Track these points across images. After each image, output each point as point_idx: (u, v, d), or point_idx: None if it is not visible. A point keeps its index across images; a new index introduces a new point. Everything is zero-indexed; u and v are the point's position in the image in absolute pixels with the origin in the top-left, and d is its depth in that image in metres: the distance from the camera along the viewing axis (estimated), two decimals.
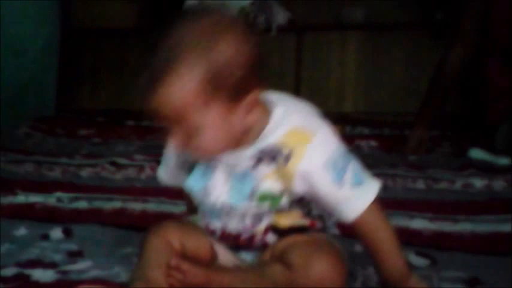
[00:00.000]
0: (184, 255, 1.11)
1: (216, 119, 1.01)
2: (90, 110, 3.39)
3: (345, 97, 3.15)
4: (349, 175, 1.06)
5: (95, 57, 3.52)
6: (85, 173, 2.07)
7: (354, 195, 1.06)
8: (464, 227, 1.52)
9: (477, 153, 2.25)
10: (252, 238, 1.11)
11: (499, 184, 1.90)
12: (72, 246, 1.36)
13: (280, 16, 3.24)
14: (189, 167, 1.13)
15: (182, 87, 0.99)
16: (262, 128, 1.06)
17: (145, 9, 3.45)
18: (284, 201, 1.08)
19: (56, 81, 3.35)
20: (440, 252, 1.35)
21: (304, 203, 1.11)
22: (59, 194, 1.74)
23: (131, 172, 2.07)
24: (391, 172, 2.01)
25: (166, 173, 1.22)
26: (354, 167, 1.07)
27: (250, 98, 1.02)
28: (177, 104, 0.99)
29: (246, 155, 1.06)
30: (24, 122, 2.93)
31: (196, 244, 1.14)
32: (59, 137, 2.79)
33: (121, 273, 1.20)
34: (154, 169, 2.07)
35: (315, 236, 1.11)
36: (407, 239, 1.44)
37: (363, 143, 2.44)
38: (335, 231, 1.18)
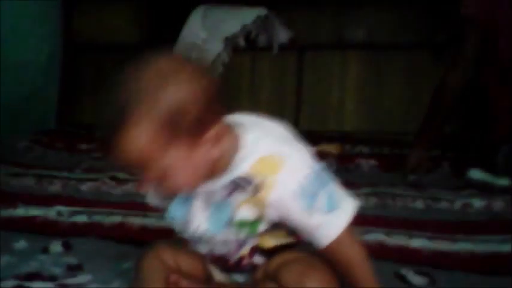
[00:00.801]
0: (179, 273, 1.12)
1: (180, 158, 1.01)
2: (91, 124, 3.39)
3: (345, 116, 3.16)
4: (321, 201, 1.05)
5: (96, 71, 3.53)
6: (85, 187, 2.07)
7: (326, 222, 1.05)
8: (463, 246, 1.52)
9: (476, 174, 2.25)
10: (239, 261, 1.11)
11: (498, 204, 1.90)
12: (72, 260, 1.36)
13: (282, 34, 3.25)
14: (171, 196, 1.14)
15: (139, 137, 0.98)
16: (233, 156, 1.05)
17: (147, 24, 3.47)
18: (262, 227, 1.08)
19: (58, 95, 3.36)
20: (439, 271, 1.35)
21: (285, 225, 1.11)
22: (59, 207, 1.75)
23: (131, 187, 2.07)
24: (391, 191, 2.01)
25: (156, 199, 1.20)
26: (328, 191, 1.06)
27: (211, 132, 1.02)
28: (138, 152, 0.99)
29: (219, 185, 1.06)
30: (25, 135, 2.93)
31: (191, 263, 1.15)
32: (60, 151, 2.79)
33: None
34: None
35: (306, 253, 1.10)
36: (406, 257, 1.45)
37: (363, 162, 2.44)
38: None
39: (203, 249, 1.13)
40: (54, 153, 2.73)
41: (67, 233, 1.56)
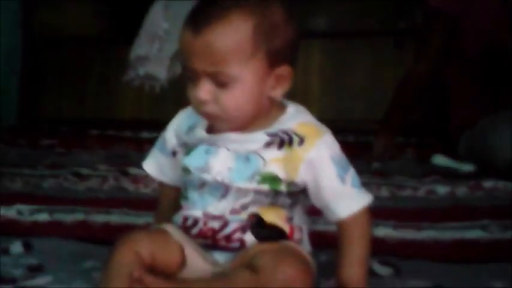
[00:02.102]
0: (154, 265, 1.10)
1: (251, 77, 1.05)
2: (54, 119, 3.35)
3: (309, 105, 3.13)
4: (350, 176, 1.10)
5: (58, 65, 3.47)
6: (47, 184, 2.04)
7: (353, 194, 1.10)
8: (427, 234, 1.52)
9: (440, 160, 2.27)
10: (230, 236, 1.10)
11: (462, 190, 1.92)
12: (32, 261, 1.33)
13: None
14: (187, 150, 1.14)
15: (234, 31, 1.03)
16: (276, 117, 1.10)
17: (109, 18, 3.43)
18: (282, 187, 1.09)
19: (18, 90, 3.30)
20: (404, 260, 1.35)
21: (289, 205, 1.12)
22: (19, 206, 1.71)
23: (94, 183, 2.04)
24: None
25: (153, 166, 1.24)
26: (354, 172, 1.12)
27: (283, 69, 1.07)
28: (224, 46, 1.02)
29: (257, 137, 1.09)
30: None
31: (166, 252, 1.12)
32: (21, 147, 2.75)
33: None
34: (118, 179, 2.05)
35: (286, 244, 1.11)
36: (371, 247, 1.44)
37: None
38: (308, 247, 1.17)
39: (198, 213, 1.11)
40: (15, 150, 2.68)
41: (28, 232, 1.53)
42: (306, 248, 1.16)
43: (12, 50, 3.21)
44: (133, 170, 2.12)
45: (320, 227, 1.37)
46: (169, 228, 1.17)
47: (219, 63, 1.03)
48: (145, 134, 2.89)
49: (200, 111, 1.10)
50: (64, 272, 1.26)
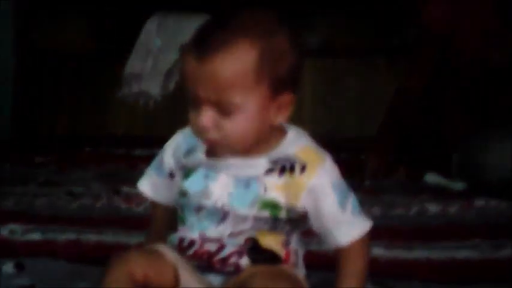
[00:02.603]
0: (147, 286, 1.08)
1: (255, 106, 1.03)
2: (47, 135, 3.35)
3: (301, 122, 3.13)
4: (350, 203, 1.09)
5: (52, 82, 3.47)
6: (39, 202, 2.03)
7: (353, 220, 1.09)
8: (420, 254, 1.53)
9: (433, 178, 2.27)
10: (226, 260, 1.10)
11: (453, 209, 1.92)
12: (24, 281, 1.33)
13: None
14: (185, 172, 1.13)
15: (240, 60, 1.01)
16: (277, 142, 1.09)
17: (103, 35, 3.43)
18: (282, 213, 1.08)
19: (12, 105, 3.30)
20: (397, 281, 1.35)
21: (287, 230, 1.11)
22: (11, 225, 1.70)
23: (87, 201, 2.04)
24: None
25: (148, 186, 1.22)
26: (353, 198, 1.10)
27: (285, 97, 1.06)
28: (229, 75, 1.01)
29: (258, 163, 1.07)
30: None
31: (160, 273, 1.11)
32: (14, 164, 2.74)
33: None
34: (111, 198, 2.05)
35: (280, 268, 1.10)
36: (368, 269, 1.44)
37: None
38: (303, 270, 1.18)
39: (194, 234, 1.10)
40: (8, 167, 2.68)
41: (20, 252, 1.53)
42: (300, 271, 1.16)
43: (5, 67, 3.21)
44: (125, 189, 2.12)
45: (313, 247, 1.37)
46: (163, 248, 1.16)
47: (223, 92, 1.02)
48: (138, 151, 2.89)
49: (201, 137, 1.08)
50: None
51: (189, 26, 3.15)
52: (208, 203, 1.09)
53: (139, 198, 1.97)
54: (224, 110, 1.03)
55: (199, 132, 1.07)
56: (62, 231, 1.68)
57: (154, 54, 3.15)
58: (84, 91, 3.40)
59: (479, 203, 1.96)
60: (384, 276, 1.35)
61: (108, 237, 1.64)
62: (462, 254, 1.53)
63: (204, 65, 1.02)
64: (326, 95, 3.15)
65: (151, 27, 3.19)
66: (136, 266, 1.09)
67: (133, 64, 3.14)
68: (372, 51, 3.14)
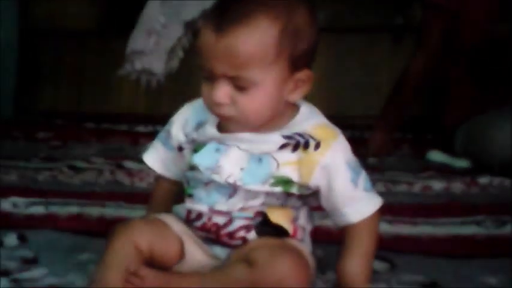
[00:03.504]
0: (152, 256, 1.09)
1: (272, 82, 1.02)
2: (50, 112, 3.34)
3: (306, 99, 3.14)
4: (362, 180, 1.09)
5: (54, 58, 3.46)
6: (42, 177, 2.03)
7: (364, 198, 1.09)
8: (423, 230, 1.53)
9: (436, 156, 2.27)
10: (233, 233, 1.10)
11: (457, 186, 1.92)
12: (27, 253, 1.33)
13: None
14: (195, 146, 1.12)
15: (260, 35, 1.00)
16: (291, 117, 1.08)
17: (105, 11, 3.41)
18: (294, 189, 1.08)
19: (15, 82, 3.29)
20: (400, 255, 1.35)
21: (297, 206, 1.11)
22: (14, 198, 1.70)
23: (89, 176, 2.03)
24: None
25: (154, 159, 1.22)
26: (365, 175, 1.11)
27: (303, 73, 1.04)
28: (248, 50, 0.99)
29: (272, 139, 1.07)
30: None
31: (165, 244, 1.11)
32: (17, 140, 2.74)
33: (76, 281, 1.18)
34: (114, 173, 2.05)
35: (286, 241, 1.10)
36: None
37: None
38: (309, 247, 1.17)
39: (203, 207, 1.10)
40: (10, 143, 2.67)
41: (23, 225, 1.52)
42: (306, 246, 1.15)
43: (8, 43, 3.19)
44: (128, 164, 2.12)
45: (316, 221, 1.36)
46: (169, 219, 1.16)
47: (240, 68, 1.00)
48: (141, 128, 2.89)
49: (215, 112, 1.07)
50: (59, 264, 1.26)
51: (193, 3, 3.13)
52: (219, 179, 1.08)
53: (142, 173, 1.97)
54: (241, 85, 1.01)
55: (214, 106, 1.05)
56: (65, 204, 1.67)
57: (157, 31, 3.13)
58: (86, 68, 3.39)
59: (483, 180, 1.96)
60: (387, 252, 1.34)
61: (111, 211, 1.64)
62: (465, 230, 1.53)
63: (223, 39, 0.99)
64: (330, 72, 3.13)
65: (154, 3, 3.16)
66: (141, 236, 1.09)
67: (136, 41, 3.11)
68: (376, 29, 3.12)
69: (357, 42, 3.14)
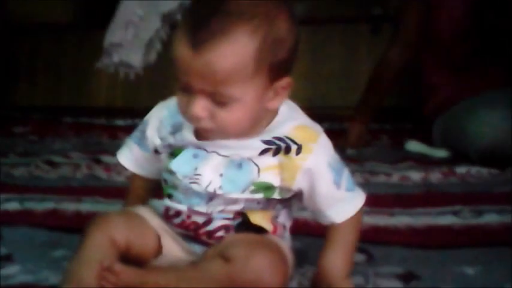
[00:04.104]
0: (128, 251, 1.08)
1: (253, 95, 0.99)
2: (26, 107, 3.30)
3: None
4: (344, 179, 1.08)
5: (30, 52, 3.43)
6: (18, 172, 2.00)
7: (347, 198, 1.09)
8: (400, 220, 1.52)
9: (414, 146, 2.27)
10: (212, 233, 1.09)
11: (435, 176, 1.92)
12: (2, 251, 1.31)
13: None
14: (172, 151, 1.10)
15: (238, 51, 0.96)
16: (270, 119, 1.06)
17: (82, 4, 3.38)
18: (276, 195, 1.07)
19: None
20: (377, 247, 1.35)
21: (277, 206, 1.10)
22: None
23: (66, 171, 2.01)
24: None
25: (129, 158, 1.20)
26: (347, 173, 1.10)
27: (283, 82, 1.02)
28: (227, 67, 0.95)
29: (252, 144, 1.05)
30: None
31: (142, 238, 1.11)
32: None
33: (49, 277, 1.17)
34: (91, 167, 2.03)
35: (263, 236, 1.10)
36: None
37: None
38: (289, 242, 1.17)
39: (182, 206, 1.09)
40: None
41: None
42: (285, 242, 1.15)
43: None
44: (106, 158, 2.10)
45: (294, 214, 1.36)
46: (146, 212, 1.14)
47: (219, 84, 0.96)
48: (119, 122, 2.86)
49: (193, 124, 1.04)
50: (33, 261, 1.24)
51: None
52: (198, 188, 1.06)
53: (120, 167, 1.94)
54: (220, 101, 0.98)
55: (191, 119, 1.02)
56: (40, 200, 1.66)
57: (135, 24, 3.10)
58: (63, 61, 3.35)
59: (461, 170, 1.96)
60: (364, 242, 1.34)
61: (87, 206, 1.62)
62: (443, 220, 1.53)
63: (200, 56, 0.95)
64: (309, 63, 3.12)
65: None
66: (118, 229, 1.08)
67: (114, 34, 3.08)
68: (355, 19, 3.12)
69: (336, 33, 3.13)
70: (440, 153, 2.17)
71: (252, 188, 1.05)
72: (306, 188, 1.07)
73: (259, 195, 1.06)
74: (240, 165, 1.05)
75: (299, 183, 1.06)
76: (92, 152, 2.23)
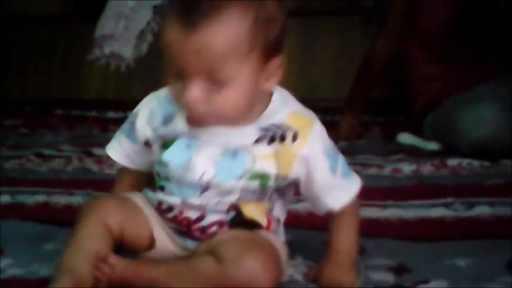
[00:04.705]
0: (122, 238, 1.08)
1: (248, 74, 0.99)
2: (17, 99, 3.29)
3: (278, 84, 3.12)
4: (340, 165, 1.09)
5: (21, 45, 3.41)
6: (9, 165, 1.99)
7: (343, 185, 1.09)
8: (392, 212, 1.52)
9: (406, 138, 2.27)
10: (205, 229, 1.08)
11: (427, 169, 1.92)
12: None
13: None
14: (164, 143, 1.09)
15: (233, 27, 0.96)
16: (264, 107, 1.06)
17: None
18: (271, 183, 1.07)
19: None
20: (369, 239, 1.35)
21: (273, 199, 1.10)
22: None
23: (57, 164, 2.01)
24: None
25: (118, 152, 1.19)
26: (342, 159, 1.10)
27: (276, 61, 1.02)
28: (223, 44, 0.95)
29: (248, 132, 1.05)
30: None
31: (137, 227, 1.10)
32: None
33: (40, 270, 1.16)
34: (82, 160, 2.03)
35: (256, 234, 1.09)
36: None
37: None
38: (282, 237, 1.17)
39: (175, 199, 1.08)
40: None
41: None
42: (279, 237, 1.15)
43: None
44: (97, 151, 2.09)
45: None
46: (139, 200, 1.13)
47: (215, 63, 0.96)
48: (111, 114, 2.86)
49: (188, 112, 1.03)
50: (24, 254, 1.24)
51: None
52: (192, 177, 1.05)
53: (111, 160, 1.93)
54: (217, 81, 0.98)
55: (186, 105, 1.01)
56: (31, 193, 1.65)
57: (126, 15, 3.09)
58: (54, 54, 3.34)
59: (452, 162, 1.96)
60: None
61: (78, 199, 1.62)
62: (435, 212, 1.53)
63: (193, 36, 0.95)
64: (301, 55, 3.12)
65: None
66: (112, 215, 1.07)
67: (105, 25, 3.07)
68: (347, 11, 3.11)
69: (328, 25, 3.13)
70: (432, 145, 2.17)
71: (248, 175, 1.05)
72: (303, 176, 1.07)
73: (255, 183, 1.06)
74: (234, 154, 1.05)
75: (296, 171, 1.06)
76: (83, 145, 2.23)
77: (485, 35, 2.21)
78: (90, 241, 1.04)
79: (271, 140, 1.05)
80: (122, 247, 1.09)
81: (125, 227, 1.08)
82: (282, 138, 1.04)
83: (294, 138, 1.04)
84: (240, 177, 1.05)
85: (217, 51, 0.95)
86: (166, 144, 1.08)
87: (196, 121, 1.05)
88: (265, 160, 1.05)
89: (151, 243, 1.12)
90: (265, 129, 1.05)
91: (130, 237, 1.09)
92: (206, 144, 1.05)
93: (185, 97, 0.99)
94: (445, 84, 2.22)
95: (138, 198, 1.14)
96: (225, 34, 0.96)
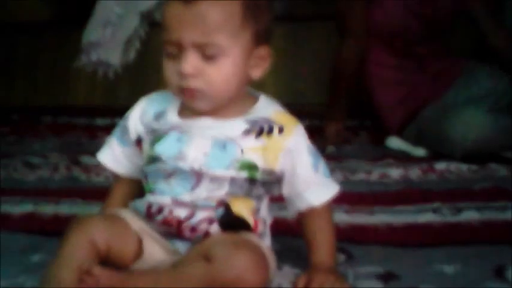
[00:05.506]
0: (108, 255, 1.09)
1: (239, 51, 1.07)
2: (4, 107, 3.27)
3: (264, 88, 3.12)
4: (321, 165, 1.15)
5: (7, 52, 3.39)
6: None
7: (324, 182, 1.15)
8: (380, 218, 1.52)
9: (394, 143, 2.27)
10: (195, 227, 1.10)
11: (414, 173, 1.92)
12: None
13: None
14: (155, 137, 1.13)
15: (226, 4, 1.06)
16: (251, 106, 1.13)
17: (59, 2, 3.36)
18: (259, 175, 1.11)
19: None
20: (357, 246, 1.35)
21: (259, 196, 1.14)
22: None
23: (45, 172, 1.99)
24: None
25: (109, 157, 1.22)
26: (323, 162, 1.16)
27: (264, 49, 1.11)
28: (217, 16, 1.05)
29: (236, 124, 1.10)
30: None
31: (123, 242, 1.11)
32: None
33: (26, 282, 1.15)
34: (70, 169, 2.01)
35: (244, 237, 1.11)
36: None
37: None
38: (269, 241, 1.18)
39: (165, 198, 1.10)
40: None
41: None
42: (266, 242, 1.16)
43: None
44: (85, 159, 2.08)
45: (275, 213, 1.35)
46: (127, 215, 1.15)
47: (210, 33, 1.05)
48: (99, 121, 2.84)
49: (182, 87, 1.08)
50: (10, 266, 1.23)
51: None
52: (184, 165, 1.09)
53: (99, 168, 1.93)
54: (210, 54, 1.06)
55: (180, 81, 1.07)
56: (18, 203, 1.64)
57: (113, 22, 3.08)
58: (41, 60, 3.33)
59: (440, 167, 1.96)
60: (344, 242, 1.34)
61: (66, 208, 1.60)
62: (423, 218, 1.53)
63: (192, 7, 1.04)
64: (288, 60, 3.12)
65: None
66: (98, 232, 1.09)
67: (92, 32, 3.05)
68: (333, 16, 3.11)
69: (314, 30, 3.13)
70: (419, 151, 2.16)
71: (237, 165, 1.09)
72: (288, 168, 1.12)
73: (244, 174, 1.10)
74: (224, 146, 1.10)
75: (281, 163, 1.11)
76: (71, 153, 2.21)
77: (437, 32, 2.23)
78: (75, 255, 1.05)
79: (259, 133, 1.10)
80: (109, 263, 1.09)
81: (111, 242, 1.10)
82: (269, 131, 1.10)
83: (280, 130, 1.11)
84: (229, 166, 1.09)
85: (211, 21, 1.04)
86: (157, 138, 1.13)
87: (186, 113, 1.12)
88: (253, 153, 1.10)
89: (139, 255, 1.12)
90: (253, 122, 1.10)
91: (117, 252, 1.11)
92: (197, 137, 1.10)
93: (181, 68, 1.06)
94: (413, 92, 2.24)
95: (125, 214, 1.15)
96: (219, 7, 1.05)
